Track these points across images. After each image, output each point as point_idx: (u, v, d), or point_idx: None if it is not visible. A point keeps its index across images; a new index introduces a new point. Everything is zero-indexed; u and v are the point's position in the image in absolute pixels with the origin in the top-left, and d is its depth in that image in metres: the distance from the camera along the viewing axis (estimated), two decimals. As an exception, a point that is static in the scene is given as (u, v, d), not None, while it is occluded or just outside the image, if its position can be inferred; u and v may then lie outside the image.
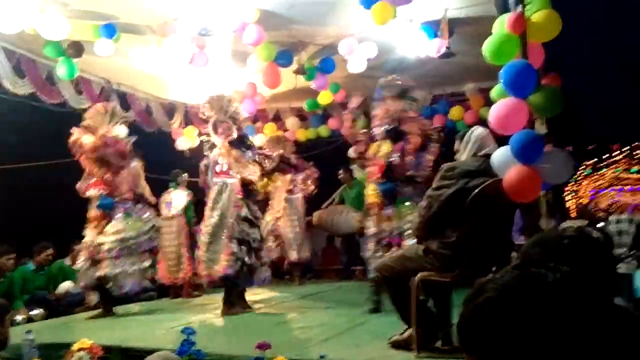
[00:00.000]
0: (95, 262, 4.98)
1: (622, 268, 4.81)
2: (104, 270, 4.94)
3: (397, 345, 3.29)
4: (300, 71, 5.95)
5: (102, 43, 5.11)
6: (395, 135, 4.57)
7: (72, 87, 6.01)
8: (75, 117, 5.40)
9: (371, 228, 4.55)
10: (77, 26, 4.88)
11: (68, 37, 4.86)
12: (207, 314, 4.96)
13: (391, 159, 4.52)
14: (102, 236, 5.04)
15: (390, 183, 4.53)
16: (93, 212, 5.14)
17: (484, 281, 0.87)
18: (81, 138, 5.08)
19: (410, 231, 4.26)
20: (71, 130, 5.12)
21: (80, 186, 5.15)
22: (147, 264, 5.16)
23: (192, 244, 6.49)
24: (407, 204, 4.47)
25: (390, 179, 4.52)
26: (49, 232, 6.37)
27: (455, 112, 7.34)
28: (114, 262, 4.95)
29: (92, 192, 5.13)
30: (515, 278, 0.85)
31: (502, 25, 3.12)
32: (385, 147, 4.59)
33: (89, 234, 5.11)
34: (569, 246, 1.52)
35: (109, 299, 5.14)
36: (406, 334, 3.26)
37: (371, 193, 4.63)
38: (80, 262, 5.08)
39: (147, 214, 5.33)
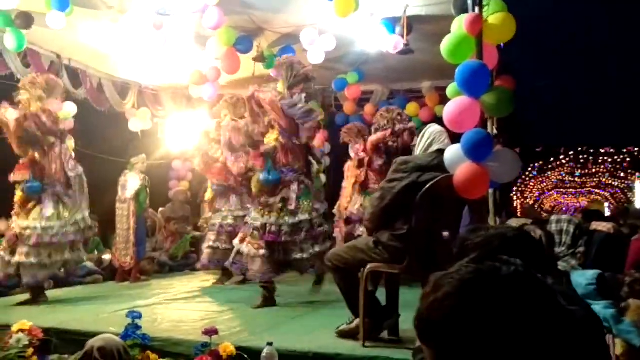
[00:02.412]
0: (13, 250, 4.71)
1: (561, 266, 5.04)
2: (20, 257, 4.66)
3: (344, 334, 3.34)
4: (259, 59, 5.89)
5: (54, 15, 4.90)
6: None
7: (19, 59, 5.75)
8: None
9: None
10: (28, -4, 4.67)
11: (18, 7, 4.65)
12: (153, 299, 4.89)
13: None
14: (26, 221, 4.71)
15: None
16: (19, 196, 4.83)
17: (441, 275, 0.90)
18: (5, 113, 4.73)
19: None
20: None
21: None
22: (67, 256, 4.85)
23: (141, 228, 6.40)
24: None
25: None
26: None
27: (411, 108, 7.45)
28: (32, 250, 4.66)
29: (17, 177, 4.80)
30: (471, 273, 0.87)
31: (460, 25, 3.19)
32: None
33: (15, 220, 4.79)
34: (511, 241, 1.57)
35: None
36: (354, 324, 3.31)
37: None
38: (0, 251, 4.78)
39: (79, 201, 4.99)
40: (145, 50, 5.65)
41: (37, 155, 4.86)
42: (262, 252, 4.44)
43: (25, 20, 5.00)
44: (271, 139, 4.73)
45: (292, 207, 4.49)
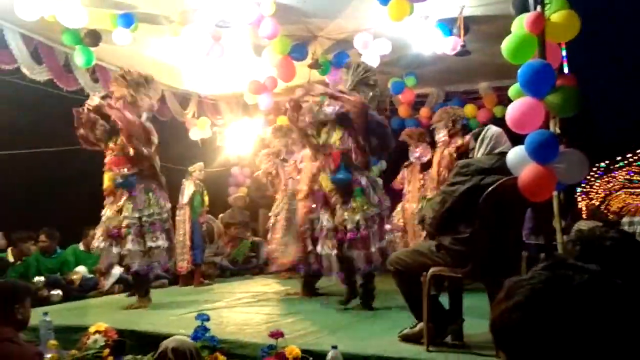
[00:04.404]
0: (115, 240, 4.82)
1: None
2: (126, 246, 4.76)
3: (407, 339, 3.33)
4: (314, 65, 5.97)
5: (120, 32, 5.16)
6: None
7: (88, 74, 6.07)
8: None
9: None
10: (96, 15, 4.92)
11: (86, 25, 4.91)
12: (217, 303, 5.03)
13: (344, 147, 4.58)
14: (120, 213, 4.84)
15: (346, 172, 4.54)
16: (109, 186, 4.94)
17: (514, 282, 0.89)
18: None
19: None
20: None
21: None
22: (160, 243, 4.91)
23: (196, 233, 6.59)
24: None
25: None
26: (63, 217, 6.45)
27: (468, 110, 7.33)
28: (135, 240, 4.78)
29: (122, 172, 4.89)
30: (542, 282, 0.86)
31: (521, 24, 3.13)
32: (336, 134, 4.64)
33: (107, 211, 4.93)
34: (611, 248, 1.54)
35: (138, 284, 5.02)
36: (417, 328, 3.30)
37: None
38: (98, 242, 4.87)
39: (162, 195, 5.12)
40: (204, 61, 5.83)
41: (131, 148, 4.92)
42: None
43: (94, 38, 5.28)
44: (335, 139, 4.70)
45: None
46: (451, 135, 5.11)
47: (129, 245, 4.77)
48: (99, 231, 4.96)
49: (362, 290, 4.58)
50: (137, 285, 5.04)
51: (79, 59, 5.38)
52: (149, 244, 4.84)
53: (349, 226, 4.45)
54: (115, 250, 4.81)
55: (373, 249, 4.44)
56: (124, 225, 4.80)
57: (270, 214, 6.90)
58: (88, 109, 4.88)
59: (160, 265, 5.03)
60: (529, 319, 0.84)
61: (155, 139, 5.09)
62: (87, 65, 5.55)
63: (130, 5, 5.03)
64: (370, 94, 4.87)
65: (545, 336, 0.82)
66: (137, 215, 4.84)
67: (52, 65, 5.68)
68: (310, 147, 4.93)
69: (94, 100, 4.95)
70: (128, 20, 5.12)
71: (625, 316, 0.83)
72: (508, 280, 0.91)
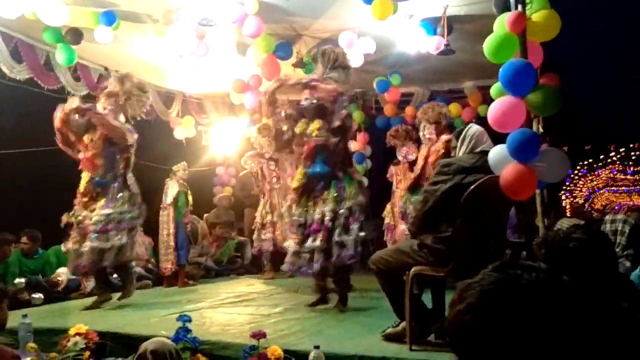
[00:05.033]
0: (83, 239, 4.86)
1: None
2: (91, 243, 4.80)
3: (390, 338, 3.33)
4: (299, 64, 5.95)
5: (102, 30, 5.10)
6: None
7: (69, 73, 5.99)
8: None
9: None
10: (77, 13, 4.86)
11: (68, 23, 4.85)
12: (201, 303, 4.99)
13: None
14: (91, 213, 4.90)
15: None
16: (86, 187, 5.00)
17: (466, 285, 0.91)
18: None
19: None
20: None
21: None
22: (124, 241, 4.93)
23: (181, 234, 6.54)
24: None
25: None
26: (45, 218, 6.35)
27: (453, 108, 7.35)
28: (100, 237, 4.82)
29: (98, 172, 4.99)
30: (492, 283, 0.88)
31: (502, 24, 3.14)
32: (314, 125, 4.58)
33: (83, 212, 4.96)
34: (574, 249, 1.55)
35: (105, 281, 5.08)
36: (400, 327, 3.30)
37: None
38: (72, 243, 4.90)
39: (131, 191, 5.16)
40: (189, 59, 5.79)
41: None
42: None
43: (75, 36, 5.21)
44: (313, 129, 4.61)
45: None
46: (439, 132, 5.09)
47: (88, 242, 4.80)
48: (73, 233, 4.96)
49: (337, 288, 4.51)
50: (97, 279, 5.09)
51: (60, 57, 5.31)
52: (112, 242, 4.85)
53: (315, 217, 4.37)
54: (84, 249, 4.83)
55: (337, 242, 4.29)
56: (92, 222, 4.84)
57: (256, 213, 6.90)
58: (66, 112, 4.93)
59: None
60: (481, 320, 0.85)
61: (132, 141, 5.12)
62: (69, 63, 5.49)
63: (112, 3, 4.97)
64: (344, 76, 4.80)
65: (497, 336, 0.83)
66: (107, 212, 4.87)
67: (32, 63, 5.59)
68: (284, 145, 4.85)
69: (73, 102, 4.97)
70: (110, 18, 5.06)
71: (572, 313, 0.85)
72: (460, 283, 0.91)
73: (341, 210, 4.37)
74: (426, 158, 5.06)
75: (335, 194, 4.42)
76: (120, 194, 5.03)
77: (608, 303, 1.54)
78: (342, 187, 4.48)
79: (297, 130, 4.69)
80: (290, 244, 4.53)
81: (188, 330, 3.22)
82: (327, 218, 4.33)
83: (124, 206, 5.00)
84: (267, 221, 6.74)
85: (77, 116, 5.03)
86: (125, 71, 5.42)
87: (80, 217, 4.95)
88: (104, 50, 5.70)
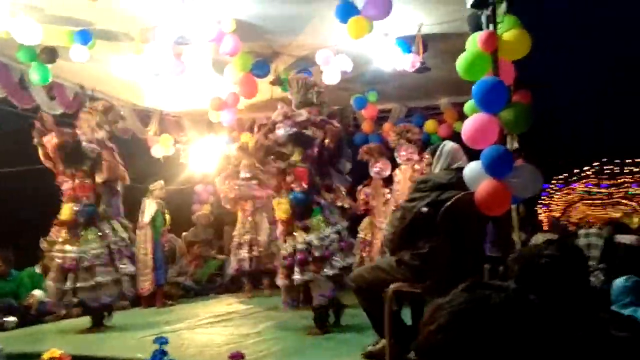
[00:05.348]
0: (66, 274, 4.73)
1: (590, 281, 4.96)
2: (94, 278, 4.70)
3: (370, 356, 3.33)
4: (276, 82, 5.98)
5: (77, 49, 5.06)
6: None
7: (44, 92, 5.92)
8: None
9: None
10: (52, 31, 4.82)
11: (42, 42, 4.80)
12: (179, 324, 4.92)
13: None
14: (76, 245, 4.76)
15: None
16: (69, 218, 4.85)
17: (436, 306, 0.92)
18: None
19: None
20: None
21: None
22: (127, 270, 4.92)
23: (158, 253, 6.45)
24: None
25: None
26: (18, 239, 6.22)
27: (429, 125, 7.45)
28: (105, 270, 4.75)
29: (83, 201, 4.86)
30: (461, 304, 0.89)
31: (474, 42, 3.20)
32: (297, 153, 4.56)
33: (65, 246, 4.81)
34: (546, 265, 1.57)
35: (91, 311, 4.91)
36: (379, 345, 3.29)
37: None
38: (52, 279, 4.79)
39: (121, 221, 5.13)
40: (166, 78, 5.77)
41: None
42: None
43: (50, 54, 5.17)
44: (297, 158, 4.57)
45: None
46: (420, 152, 5.13)
47: (99, 278, 4.70)
48: (53, 268, 4.83)
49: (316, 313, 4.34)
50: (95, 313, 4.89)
51: (34, 76, 5.25)
52: (120, 271, 4.84)
53: (298, 247, 4.28)
54: (69, 285, 4.71)
55: (328, 273, 4.23)
56: (89, 256, 4.72)
57: (234, 232, 6.84)
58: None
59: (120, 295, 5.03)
60: (451, 340, 0.86)
61: (128, 181, 5.25)
62: (44, 82, 5.42)
63: (87, 22, 4.94)
64: (325, 109, 4.82)
65: (467, 356, 0.84)
66: (105, 243, 4.80)
67: (6, 82, 5.53)
68: (271, 172, 4.79)
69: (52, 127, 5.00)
70: (85, 37, 5.02)
71: (540, 333, 0.86)
72: (431, 304, 0.92)
73: (331, 236, 4.35)
74: (410, 178, 5.04)
75: (321, 219, 4.40)
76: (114, 222, 4.98)
77: (582, 317, 1.56)
78: (328, 212, 4.48)
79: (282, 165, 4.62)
80: (280, 282, 4.47)
81: (165, 353, 3.16)
82: (314, 246, 4.27)
83: (122, 234, 4.98)
84: (245, 240, 6.68)
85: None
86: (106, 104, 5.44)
87: (60, 253, 4.79)
88: (80, 68, 5.65)
